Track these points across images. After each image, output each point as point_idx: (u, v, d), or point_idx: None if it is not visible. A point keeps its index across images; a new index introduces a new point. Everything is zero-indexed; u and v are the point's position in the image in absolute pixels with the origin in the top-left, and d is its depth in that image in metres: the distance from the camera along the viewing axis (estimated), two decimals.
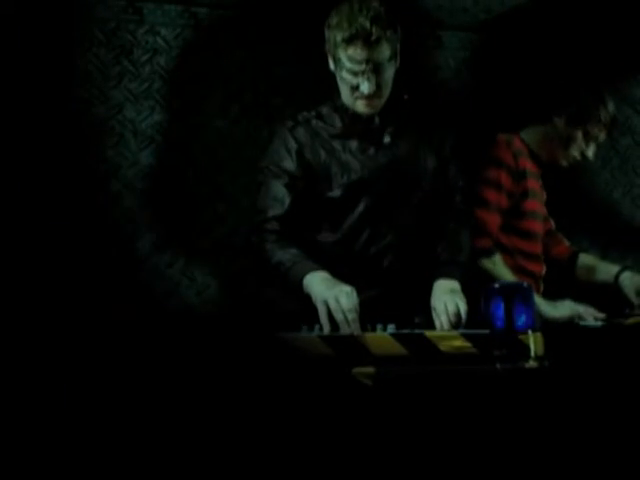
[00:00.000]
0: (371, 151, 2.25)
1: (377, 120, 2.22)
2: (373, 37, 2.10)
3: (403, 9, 3.29)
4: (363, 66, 2.13)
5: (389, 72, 2.17)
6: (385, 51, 2.13)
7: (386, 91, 2.19)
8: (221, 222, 3.41)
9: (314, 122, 2.30)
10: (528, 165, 2.63)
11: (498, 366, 1.95)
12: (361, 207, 2.25)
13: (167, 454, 2.28)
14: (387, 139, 2.25)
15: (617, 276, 2.69)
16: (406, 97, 2.32)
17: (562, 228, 3.20)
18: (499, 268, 2.45)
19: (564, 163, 2.70)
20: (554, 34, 3.45)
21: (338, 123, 2.27)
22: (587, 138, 2.65)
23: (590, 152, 2.67)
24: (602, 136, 2.67)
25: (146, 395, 2.53)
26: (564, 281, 2.70)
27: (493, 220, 2.50)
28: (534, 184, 2.64)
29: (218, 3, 3.39)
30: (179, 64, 3.42)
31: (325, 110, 2.30)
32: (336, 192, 2.25)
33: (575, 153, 2.67)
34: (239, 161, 2.77)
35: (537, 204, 2.66)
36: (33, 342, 2.98)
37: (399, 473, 1.99)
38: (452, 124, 2.62)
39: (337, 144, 2.26)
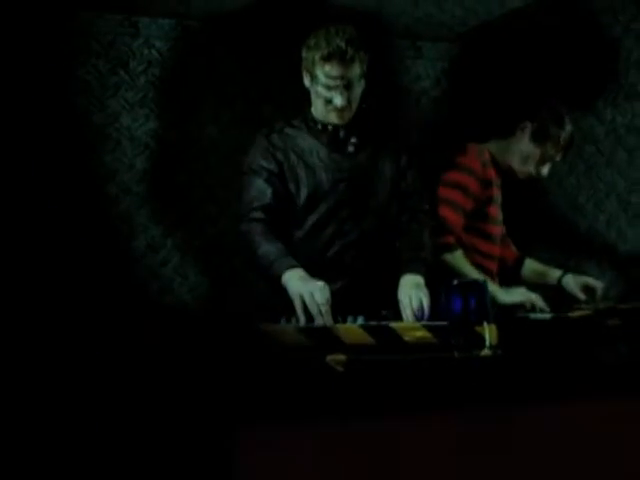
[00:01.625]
0: (336, 158, 2.46)
1: (342, 132, 2.44)
2: (348, 56, 2.31)
3: (385, 22, 3.50)
4: (337, 82, 2.33)
5: (358, 89, 2.38)
6: (357, 69, 2.34)
7: (354, 105, 2.40)
8: (212, 224, 3.54)
9: (287, 130, 2.52)
10: (493, 174, 2.78)
11: (456, 354, 2.12)
12: (324, 207, 2.45)
13: (161, 437, 2.43)
14: (350, 148, 2.46)
15: (560, 279, 2.88)
16: (364, 106, 2.50)
17: (528, 229, 3.39)
18: (460, 263, 2.61)
19: (520, 177, 2.83)
20: (522, 52, 3.60)
21: (308, 133, 2.49)
22: (544, 157, 2.77)
23: (545, 170, 2.80)
24: (558, 157, 2.79)
25: (142, 383, 2.69)
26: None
27: (457, 220, 2.65)
28: (496, 191, 2.79)
29: (209, 17, 3.51)
30: (173, 75, 3.56)
31: (297, 122, 2.52)
32: (303, 192, 2.46)
33: (532, 169, 2.80)
34: (230, 166, 2.89)
35: (497, 210, 2.81)
36: (34, 335, 3.15)
37: (366, 450, 2.14)
38: (409, 135, 2.79)
39: (306, 150, 2.48)
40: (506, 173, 2.83)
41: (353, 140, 2.45)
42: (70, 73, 3.41)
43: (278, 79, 2.95)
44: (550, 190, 3.30)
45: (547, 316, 2.45)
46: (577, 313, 2.44)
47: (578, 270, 3.12)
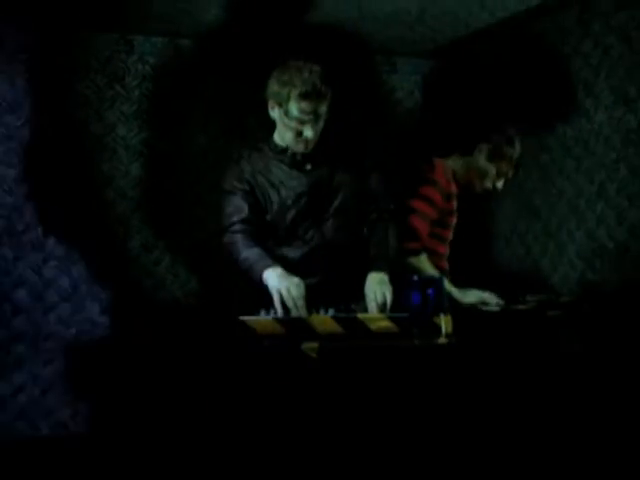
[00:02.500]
0: (296, 175, 2.66)
1: (298, 155, 2.63)
2: (322, 94, 2.49)
3: (362, 40, 3.71)
4: (310, 116, 2.51)
5: (323, 121, 2.57)
6: (325, 105, 2.53)
7: (319, 134, 2.59)
8: (201, 226, 3.66)
9: (253, 155, 2.71)
10: (454, 188, 3.00)
11: (416, 342, 2.32)
12: (289, 218, 2.66)
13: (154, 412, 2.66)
14: (308, 166, 2.66)
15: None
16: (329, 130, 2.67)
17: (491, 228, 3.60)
18: (424, 265, 2.83)
19: (478, 190, 3.04)
20: (482, 71, 3.78)
21: (271, 156, 2.69)
22: (499, 173, 2.99)
23: (500, 184, 3.02)
24: (510, 173, 3.01)
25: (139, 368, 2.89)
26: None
27: (424, 228, 2.87)
28: (455, 204, 3.01)
29: (198, 36, 3.63)
30: (165, 88, 3.67)
31: (263, 146, 2.71)
32: (271, 207, 2.67)
33: (488, 184, 3.01)
34: (217, 173, 2.99)
35: (454, 218, 3.03)
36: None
37: (338, 426, 2.31)
38: (378, 142, 2.93)
39: (270, 171, 2.68)
40: (465, 186, 3.04)
41: (310, 159, 2.64)
42: (70, 87, 3.51)
43: (261, 93, 3.08)
44: (510, 193, 3.48)
45: (496, 308, 2.69)
46: (522, 306, 2.68)
47: (534, 263, 3.38)
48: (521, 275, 3.42)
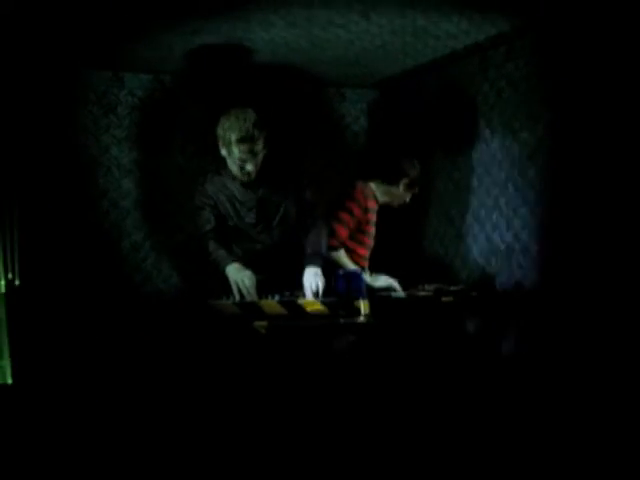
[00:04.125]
0: (248, 193, 3.16)
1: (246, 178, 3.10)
2: (255, 137, 2.98)
3: (316, 76, 4.24)
4: (248, 155, 3.00)
5: (262, 156, 3.06)
6: (261, 143, 3.01)
7: (259, 165, 3.07)
8: (180, 231, 4.00)
9: (215, 178, 3.21)
10: (371, 204, 3.55)
11: (341, 321, 2.82)
12: (244, 227, 3.19)
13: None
14: (256, 186, 3.15)
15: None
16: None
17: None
18: (342, 259, 3.41)
19: (395, 206, 3.62)
20: (409, 105, 4.29)
21: (229, 179, 3.17)
22: (410, 194, 3.59)
23: (408, 200, 3.61)
24: (416, 191, 3.60)
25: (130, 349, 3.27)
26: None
27: (343, 233, 3.43)
28: (372, 216, 3.58)
29: (179, 73, 4.00)
30: (150, 117, 4.02)
31: (222, 171, 3.17)
32: (230, 219, 3.20)
33: (401, 203, 3.62)
34: (192, 186, 3.26)
35: (372, 228, 3.60)
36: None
37: (281, 385, 2.86)
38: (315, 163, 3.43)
39: (229, 190, 3.17)
40: (383, 204, 3.64)
41: (257, 180, 3.12)
42: (72, 116, 3.85)
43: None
44: (432, 204, 4.08)
45: (402, 294, 3.30)
46: (422, 293, 3.30)
47: (450, 261, 3.97)
48: (441, 269, 4.00)
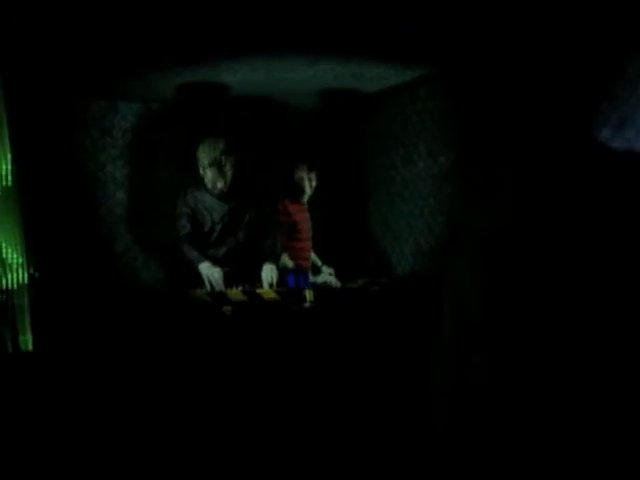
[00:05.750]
0: (220, 204, 3.86)
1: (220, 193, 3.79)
2: (223, 162, 3.72)
3: (278, 104, 4.86)
4: (218, 176, 3.73)
5: (230, 174, 3.78)
6: (229, 166, 3.74)
7: (229, 182, 3.80)
8: (165, 234, 4.43)
9: (195, 192, 3.89)
10: (293, 207, 4.16)
11: (291, 307, 3.48)
12: (216, 232, 3.88)
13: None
14: (227, 199, 3.82)
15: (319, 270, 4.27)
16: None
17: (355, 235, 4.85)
18: (284, 259, 4.06)
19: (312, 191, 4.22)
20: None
21: (206, 192, 3.85)
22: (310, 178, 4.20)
23: (314, 183, 4.20)
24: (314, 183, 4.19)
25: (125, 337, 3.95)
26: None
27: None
28: (301, 215, 4.19)
29: (165, 102, 4.61)
30: (140, 138, 4.57)
31: (200, 186, 3.86)
32: (206, 224, 3.88)
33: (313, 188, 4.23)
34: (176, 198, 3.84)
35: (305, 224, 4.20)
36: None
37: (242, 360, 3.47)
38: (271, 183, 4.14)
39: (205, 202, 3.86)
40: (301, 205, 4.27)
41: (227, 194, 3.82)
42: (73, 139, 4.39)
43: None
44: (374, 212, 4.81)
45: (339, 285, 4.04)
46: (354, 284, 4.00)
47: (389, 260, 4.70)
48: (382, 267, 4.74)
